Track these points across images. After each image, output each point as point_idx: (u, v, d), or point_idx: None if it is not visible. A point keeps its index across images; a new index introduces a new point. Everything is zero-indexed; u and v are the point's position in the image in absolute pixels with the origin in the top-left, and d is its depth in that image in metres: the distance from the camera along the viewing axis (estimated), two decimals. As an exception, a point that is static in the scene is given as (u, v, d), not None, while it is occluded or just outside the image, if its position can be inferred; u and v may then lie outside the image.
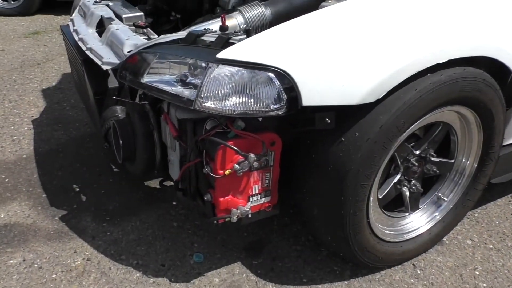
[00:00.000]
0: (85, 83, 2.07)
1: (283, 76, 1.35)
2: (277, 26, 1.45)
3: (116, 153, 1.90)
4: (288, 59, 1.37)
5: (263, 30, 1.97)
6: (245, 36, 1.50)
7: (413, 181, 1.79)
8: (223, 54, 1.38)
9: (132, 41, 1.75)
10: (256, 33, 1.95)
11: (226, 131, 1.47)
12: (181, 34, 1.64)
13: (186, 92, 1.43)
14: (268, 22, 1.97)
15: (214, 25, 1.86)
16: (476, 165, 1.85)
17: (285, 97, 1.36)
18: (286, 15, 2.02)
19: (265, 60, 1.36)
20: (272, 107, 1.37)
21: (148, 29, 2.02)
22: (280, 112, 1.38)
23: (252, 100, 1.36)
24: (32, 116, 3.01)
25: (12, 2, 5.25)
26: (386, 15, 1.46)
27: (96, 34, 2.10)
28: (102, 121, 2.03)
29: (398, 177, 1.74)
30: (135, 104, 1.79)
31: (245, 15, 1.92)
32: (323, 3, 1.88)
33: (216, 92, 1.37)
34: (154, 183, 2.34)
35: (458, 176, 1.88)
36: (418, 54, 1.43)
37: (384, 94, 1.43)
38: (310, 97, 1.38)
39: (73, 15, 2.41)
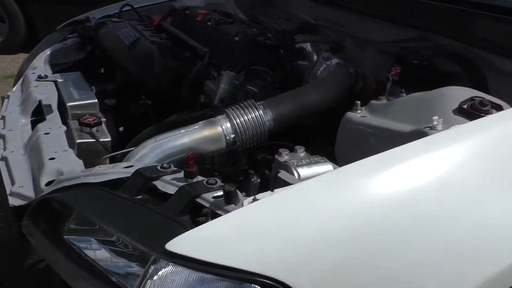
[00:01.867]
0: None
1: (282, 292, 0.74)
2: (275, 195, 0.84)
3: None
4: (290, 263, 0.75)
5: (260, 141, 1.41)
6: (221, 194, 0.88)
7: None
8: (178, 246, 0.76)
9: (56, 164, 1.14)
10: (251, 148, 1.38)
11: None
12: (126, 171, 1.02)
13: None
14: (267, 130, 1.38)
15: (189, 136, 1.27)
16: None
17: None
18: (293, 120, 1.44)
19: (252, 264, 0.75)
20: None
21: (102, 126, 1.42)
22: None
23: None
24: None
25: (-7, 39, 4.78)
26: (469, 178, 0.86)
27: (30, 127, 1.50)
28: (26, 250, 1.43)
29: None
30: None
31: (234, 121, 1.33)
32: (349, 113, 1.30)
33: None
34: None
35: None
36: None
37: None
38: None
39: (14, 88, 1.84)
